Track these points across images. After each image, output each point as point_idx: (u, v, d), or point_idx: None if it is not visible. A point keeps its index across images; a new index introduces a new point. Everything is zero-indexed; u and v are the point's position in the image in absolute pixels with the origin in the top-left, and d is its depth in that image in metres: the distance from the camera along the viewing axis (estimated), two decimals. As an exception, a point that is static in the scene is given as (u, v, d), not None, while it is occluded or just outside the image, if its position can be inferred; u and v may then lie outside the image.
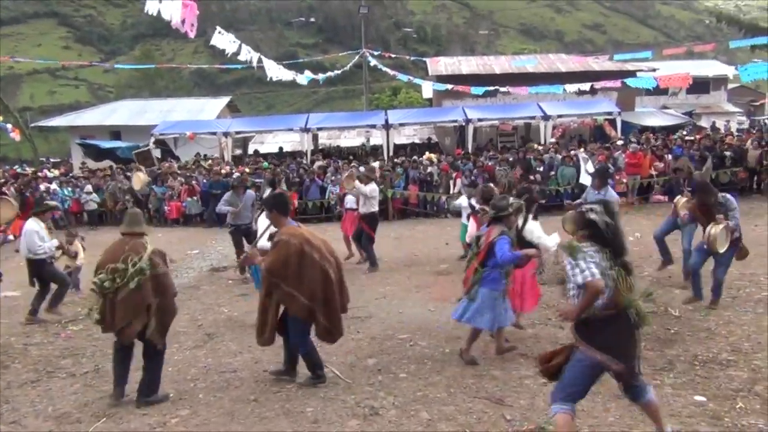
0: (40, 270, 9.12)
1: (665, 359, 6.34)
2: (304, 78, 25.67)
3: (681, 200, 9.12)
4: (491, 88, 25.13)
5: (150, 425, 5.37)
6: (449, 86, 26.07)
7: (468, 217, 10.63)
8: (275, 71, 22.51)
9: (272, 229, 6.26)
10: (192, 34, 11.86)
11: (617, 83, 23.35)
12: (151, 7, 11.28)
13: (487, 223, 6.63)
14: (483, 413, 5.26)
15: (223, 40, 17.73)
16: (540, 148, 21.51)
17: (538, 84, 26.28)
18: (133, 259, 5.65)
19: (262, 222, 7.88)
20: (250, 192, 11.73)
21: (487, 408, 5.36)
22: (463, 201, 11.24)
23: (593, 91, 25.96)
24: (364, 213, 11.59)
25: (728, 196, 7.91)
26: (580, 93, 25.96)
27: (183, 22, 11.47)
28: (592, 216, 4.32)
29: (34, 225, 9.03)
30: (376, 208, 11.77)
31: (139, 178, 20.06)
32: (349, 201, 12.37)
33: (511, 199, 6.72)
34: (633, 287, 4.29)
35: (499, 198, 6.66)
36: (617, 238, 4.32)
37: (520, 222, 6.92)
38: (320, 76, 27.74)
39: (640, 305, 4.31)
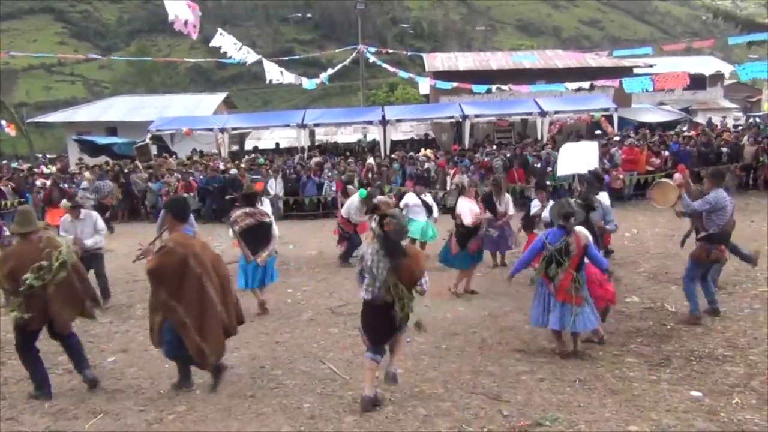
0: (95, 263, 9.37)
1: (661, 355, 6.36)
2: (309, 83, 25.56)
3: None
4: (493, 86, 25.14)
5: (147, 421, 5.37)
6: (453, 84, 25.99)
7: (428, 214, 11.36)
8: (276, 74, 22.48)
9: None
10: (195, 35, 11.86)
11: (615, 82, 23.36)
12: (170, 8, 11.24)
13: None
14: (480, 409, 5.27)
15: (225, 41, 17.63)
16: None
17: (535, 80, 26.26)
18: (54, 254, 5.78)
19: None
20: None
21: (484, 404, 5.37)
22: (409, 199, 11.35)
23: (590, 87, 25.99)
24: None
25: (723, 193, 7.31)
26: (579, 90, 26.00)
27: (186, 23, 11.45)
28: (372, 224, 5.59)
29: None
30: None
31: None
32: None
33: (572, 201, 6.82)
34: (398, 287, 5.29)
35: (561, 205, 6.55)
36: (387, 244, 5.35)
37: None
38: (323, 77, 27.55)
39: (402, 304, 5.31)
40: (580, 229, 6.43)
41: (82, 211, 9.43)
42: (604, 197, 9.35)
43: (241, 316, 6.15)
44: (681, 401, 5.26)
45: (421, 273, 5.38)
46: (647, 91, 24.07)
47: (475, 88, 25.18)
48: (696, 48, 36.36)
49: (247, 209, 8.51)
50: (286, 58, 30.84)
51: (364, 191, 12.34)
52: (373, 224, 5.48)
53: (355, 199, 11.94)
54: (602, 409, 5.17)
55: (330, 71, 28.54)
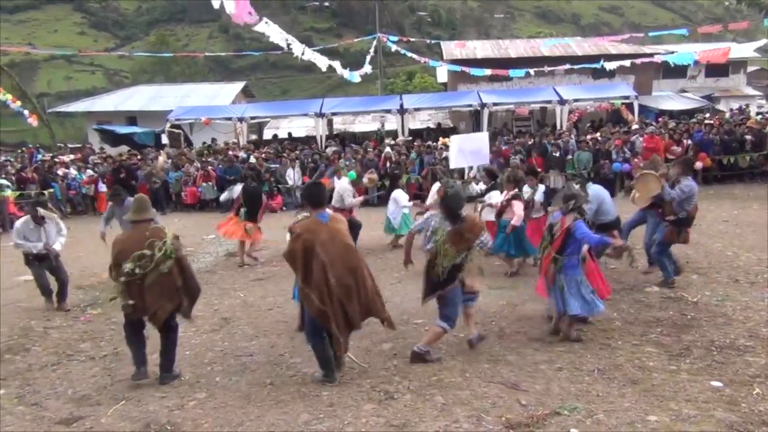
0: None
1: (682, 345, 6.31)
2: (351, 75, 25.51)
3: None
4: (532, 70, 25.06)
5: (168, 408, 5.44)
6: (488, 71, 25.82)
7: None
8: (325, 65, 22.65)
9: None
10: (252, 20, 11.95)
11: (658, 60, 23.40)
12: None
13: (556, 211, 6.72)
14: (498, 398, 5.27)
15: (270, 29, 17.61)
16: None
17: (553, 66, 26.14)
18: (158, 244, 5.74)
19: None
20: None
21: (502, 393, 5.37)
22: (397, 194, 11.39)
23: (611, 74, 25.80)
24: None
25: (692, 182, 8.25)
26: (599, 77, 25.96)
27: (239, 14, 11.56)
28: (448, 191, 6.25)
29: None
30: None
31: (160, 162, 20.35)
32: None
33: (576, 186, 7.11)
34: (445, 245, 5.97)
35: (567, 188, 6.85)
36: (444, 208, 6.16)
37: None
38: (366, 69, 27.41)
39: (443, 260, 5.99)
40: (569, 214, 6.51)
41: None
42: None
43: (372, 310, 5.90)
44: (701, 391, 5.22)
45: (473, 237, 6.00)
46: (691, 64, 24.16)
47: (512, 72, 25.14)
48: (712, 34, 35.83)
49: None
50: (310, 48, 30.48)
51: (353, 173, 12.42)
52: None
53: (345, 183, 11.83)
54: (621, 398, 5.15)
55: (368, 57, 28.36)
